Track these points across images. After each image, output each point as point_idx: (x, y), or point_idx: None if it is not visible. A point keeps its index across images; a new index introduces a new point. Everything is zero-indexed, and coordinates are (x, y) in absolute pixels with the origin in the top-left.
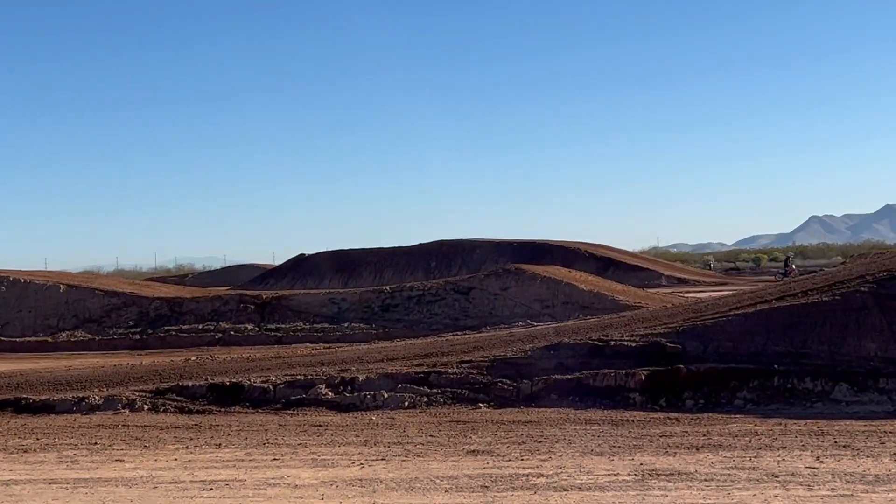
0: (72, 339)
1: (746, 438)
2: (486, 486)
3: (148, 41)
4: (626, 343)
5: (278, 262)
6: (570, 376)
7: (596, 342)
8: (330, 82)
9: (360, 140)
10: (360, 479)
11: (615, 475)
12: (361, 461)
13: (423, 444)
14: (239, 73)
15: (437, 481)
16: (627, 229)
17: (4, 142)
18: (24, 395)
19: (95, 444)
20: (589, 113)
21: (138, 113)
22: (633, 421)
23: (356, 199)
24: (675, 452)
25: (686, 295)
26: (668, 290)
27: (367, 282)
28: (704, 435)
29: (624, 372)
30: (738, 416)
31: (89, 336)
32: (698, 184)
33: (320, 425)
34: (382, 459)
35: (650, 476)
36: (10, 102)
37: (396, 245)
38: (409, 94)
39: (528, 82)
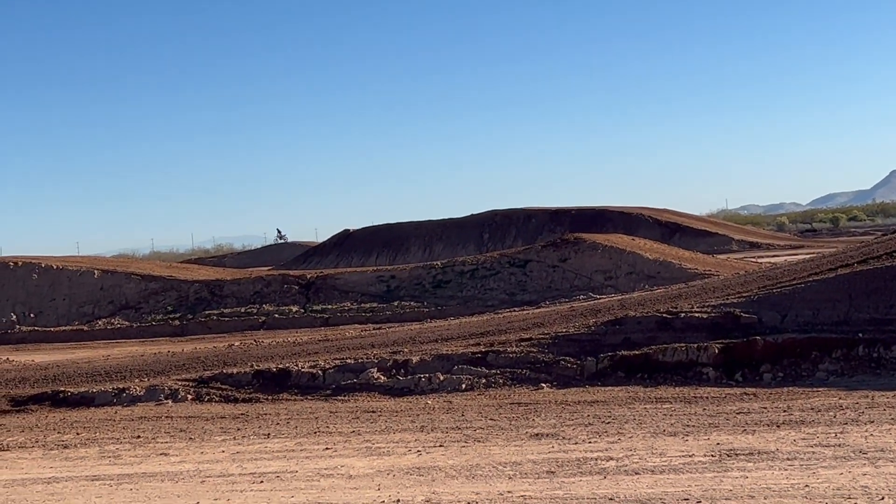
0: (109, 327)
1: (831, 413)
2: (552, 472)
3: (179, 19)
4: (697, 315)
5: (321, 238)
6: (637, 352)
7: (664, 315)
8: (369, 56)
9: (405, 110)
10: (418, 468)
11: (690, 456)
12: (418, 448)
13: (483, 429)
14: (279, 47)
15: (500, 467)
16: (693, 192)
17: (35, 125)
18: (62, 388)
19: (138, 437)
20: (648, 70)
21: (172, 92)
22: (706, 398)
23: (402, 170)
24: (754, 430)
25: (759, 260)
26: (740, 256)
27: (415, 257)
28: (785, 411)
29: (696, 346)
30: (820, 389)
31: (127, 323)
32: (769, 140)
33: (373, 411)
34: (441, 446)
35: (728, 456)
36: (42, 85)
37: (446, 217)
38: (454, 62)
39: (580, 42)
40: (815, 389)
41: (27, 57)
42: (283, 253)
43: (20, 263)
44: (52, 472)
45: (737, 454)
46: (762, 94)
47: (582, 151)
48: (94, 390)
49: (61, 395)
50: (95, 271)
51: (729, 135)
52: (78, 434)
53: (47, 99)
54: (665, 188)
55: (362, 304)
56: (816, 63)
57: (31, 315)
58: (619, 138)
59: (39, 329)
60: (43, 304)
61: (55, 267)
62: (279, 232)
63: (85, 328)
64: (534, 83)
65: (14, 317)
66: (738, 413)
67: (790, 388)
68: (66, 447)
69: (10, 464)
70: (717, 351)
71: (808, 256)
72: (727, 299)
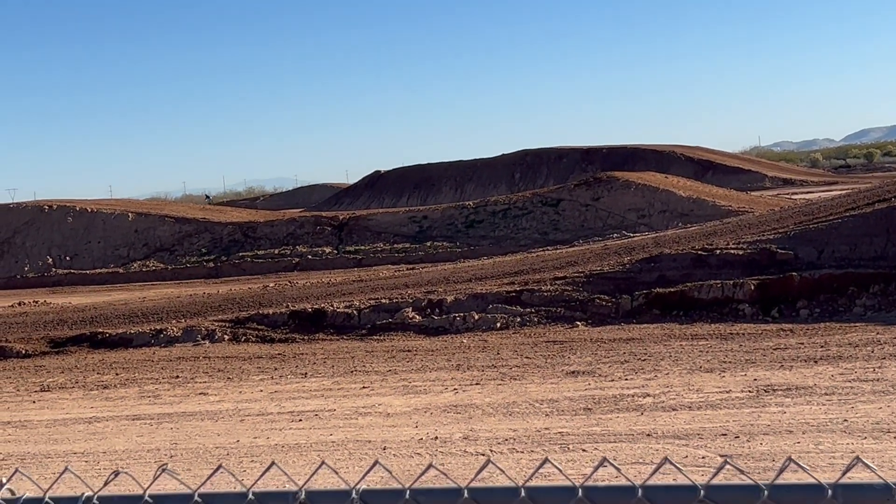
0: (143, 270)
1: (868, 348)
2: (588, 409)
3: None
4: (732, 251)
5: (352, 180)
6: (672, 289)
7: (700, 252)
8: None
9: (435, 50)
10: (455, 406)
11: (727, 392)
12: (455, 386)
13: (518, 367)
14: None
15: (537, 405)
16: (726, 129)
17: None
18: (100, 330)
19: (177, 377)
20: (680, 4)
21: (201, 32)
22: (743, 334)
23: (431, 110)
24: (791, 366)
25: (793, 197)
26: (774, 193)
27: (447, 198)
28: (822, 346)
29: (731, 282)
30: (857, 324)
31: (161, 265)
32: (801, 75)
33: (409, 350)
34: (477, 384)
35: (765, 392)
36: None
37: (477, 157)
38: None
39: None
40: (852, 325)
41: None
42: (314, 195)
43: (55, 207)
44: (92, 411)
45: (774, 390)
46: (796, 28)
47: (613, 89)
48: (132, 331)
49: (100, 336)
50: (129, 214)
51: (762, 71)
52: (117, 374)
53: (80, 44)
54: (698, 126)
55: (395, 245)
56: None
57: (67, 258)
58: (651, 75)
59: (75, 272)
60: (78, 247)
61: (90, 210)
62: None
63: (120, 270)
64: (563, 19)
65: (50, 260)
66: (775, 349)
67: (827, 324)
68: (105, 387)
69: (51, 404)
70: (753, 287)
71: (843, 192)
72: (763, 235)
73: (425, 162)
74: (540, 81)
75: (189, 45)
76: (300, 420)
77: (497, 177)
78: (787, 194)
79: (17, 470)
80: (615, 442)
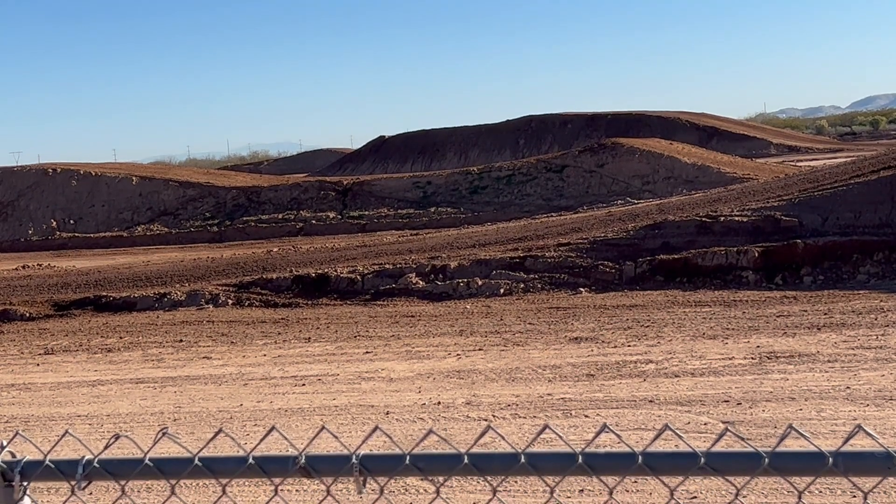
0: (147, 233)
1: (872, 316)
2: (591, 375)
3: None
4: (736, 218)
5: (356, 145)
6: (676, 256)
7: (704, 219)
8: None
9: (434, 13)
10: (458, 371)
11: (730, 359)
12: (458, 352)
13: (521, 333)
14: None
15: (540, 371)
16: (731, 96)
17: (70, 30)
18: (104, 293)
19: (181, 341)
20: None
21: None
22: (746, 301)
23: (435, 76)
24: (795, 333)
25: (798, 164)
26: (779, 160)
27: (451, 163)
28: (825, 313)
29: (735, 249)
30: (861, 292)
31: (165, 229)
32: (807, 42)
33: (412, 316)
34: (480, 350)
35: (768, 359)
36: None
37: (481, 123)
38: None
39: None
40: (855, 292)
41: None
42: (318, 160)
43: (59, 170)
44: (96, 375)
45: (777, 357)
46: None
47: (618, 55)
48: (136, 295)
49: (103, 299)
50: (133, 178)
51: (767, 37)
52: (121, 338)
53: (85, 7)
54: (703, 92)
55: (399, 210)
56: None
57: (71, 221)
58: (655, 41)
59: (79, 235)
60: (82, 211)
61: (94, 174)
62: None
63: (124, 234)
64: None
65: (54, 223)
66: (778, 316)
67: (831, 291)
68: (109, 351)
69: (55, 367)
70: (757, 254)
71: (848, 159)
72: (767, 203)
73: (430, 128)
74: (544, 47)
75: (192, 7)
76: (303, 385)
77: (501, 143)
78: (792, 161)
79: (17, 433)
80: (617, 408)
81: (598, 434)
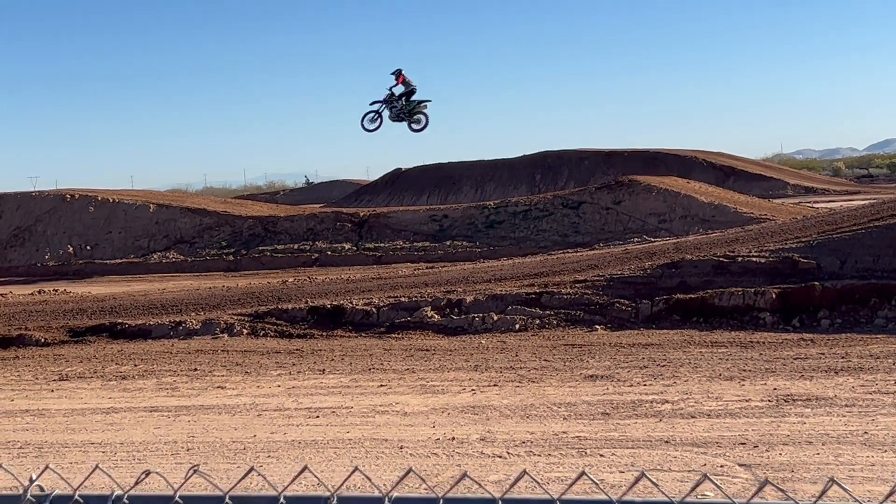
0: (163, 261)
1: (890, 360)
2: (606, 413)
3: None
4: (754, 259)
5: (372, 177)
6: (693, 295)
7: (721, 258)
8: None
9: (449, 45)
10: (473, 406)
11: (747, 401)
12: (473, 387)
13: (537, 369)
14: None
15: (555, 408)
16: (748, 136)
17: (88, 58)
18: (119, 320)
19: (195, 370)
20: (699, 8)
21: (223, 26)
22: (763, 343)
23: (451, 109)
24: (812, 376)
25: (815, 206)
26: (795, 201)
27: (467, 197)
28: (843, 357)
29: (753, 290)
30: (879, 336)
31: (181, 257)
32: (824, 83)
33: (427, 349)
34: (495, 385)
35: (785, 401)
36: (96, 16)
37: (497, 157)
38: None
39: None
40: (873, 336)
41: None
42: (334, 191)
43: (77, 196)
44: (110, 402)
45: (794, 400)
46: (819, 37)
47: (635, 93)
48: (151, 323)
49: (119, 326)
50: (151, 205)
51: (785, 78)
52: (136, 365)
53: (103, 32)
54: (719, 131)
55: (414, 243)
56: (875, 1)
57: (88, 247)
58: (674, 80)
59: (95, 261)
60: (99, 237)
61: (111, 200)
62: (307, 178)
63: (140, 261)
64: (586, 20)
65: (71, 249)
66: (795, 359)
67: (848, 335)
68: (124, 378)
69: (69, 393)
70: (774, 296)
71: (866, 202)
72: (785, 244)
73: (445, 161)
74: (561, 82)
75: (211, 36)
76: (317, 417)
77: (517, 177)
78: (809, 203)
79: (47, 466)
80: (633, 448)
81: (575, 480)
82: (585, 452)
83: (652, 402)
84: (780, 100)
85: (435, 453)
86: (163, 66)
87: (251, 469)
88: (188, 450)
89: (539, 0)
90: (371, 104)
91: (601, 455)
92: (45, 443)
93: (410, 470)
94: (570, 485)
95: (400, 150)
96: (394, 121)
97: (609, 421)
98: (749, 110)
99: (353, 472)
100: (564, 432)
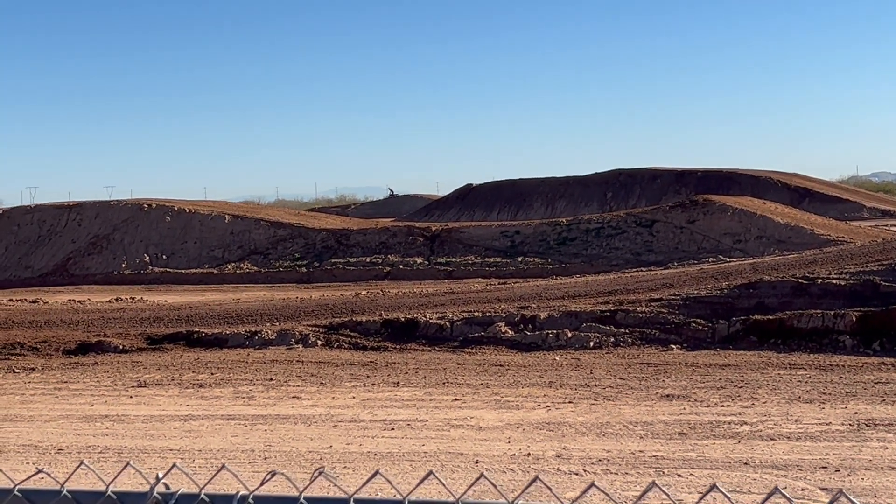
0: (237, 272)
1: None
2: (684, 433)
3: None
4: (834, 281)
5: (443, 192)
6: (771, 317)
7: (800, 280)
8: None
9: (528, 64)
10: (548, 423)
11: (827, 424)
12: (547, 404)
13: (612, 387)
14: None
15: (631, 427)
16: (823, 157)
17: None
18: (196, 329)
19: (271, 379)
20: (774, 28)
21: (297, 37)
22: (843, 366)
23: (524, 125)
24: (894, 401)
25: (894, 229)
26: (872, 224)
27: (538, 214)
28: None
29: (832, 313)
30: None
31: (255, 268)
32: None
33: (501, 365)
34: (570, 402)
35: (866, 426)
36: (175, 27)
37: (569, 174)
38: (582, 18)
39: None
40: None
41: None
42: (404, 205)
43: (154, 206)
44: (188, 409)
45: (876, 424)
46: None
47: (710, 113)
48: (227, 332)
49: (195, 335)
50: (226, 216)
51: (861, 99)
52: (212, 374)
53: (180, 43)
54: (794, 152)
55: (486, 259)
56: None
57: (164, 256)
58: (748, 100)
59: (171, 270)
60: (175, 247)
61: (187, 210)
62: (391, 190)
63: (214, 271)
64: (657, 39)
65: (147, 258)
66: (876, 383)
67: None
68: (201, 386)
69: (147, 400)
70: (854, 319)
71: None
72: (866, 266)
73: (516, 177)
74: (635, 101)
75: (287, 49)
76: (392, 429)
77: (589, 195)
78: (887, 225)
79: (174, 465)
80: (711, 469)
81: (645, 492)
82: (663, 472)
83: (730, 422)
84: (856, 121)
85: (511, 468)
86: (237, 78)
87: (376, 472)
88: (265, 458)
89: (615, 21)
90: None
91: (679, 475)
92: (124, 448)
93: (482, 475)
94: (640, 496)
95: (470, 165)
96: None
97: (686, 441)
98: (824, 132)
99: (428, 475)
100: (641, 451)
